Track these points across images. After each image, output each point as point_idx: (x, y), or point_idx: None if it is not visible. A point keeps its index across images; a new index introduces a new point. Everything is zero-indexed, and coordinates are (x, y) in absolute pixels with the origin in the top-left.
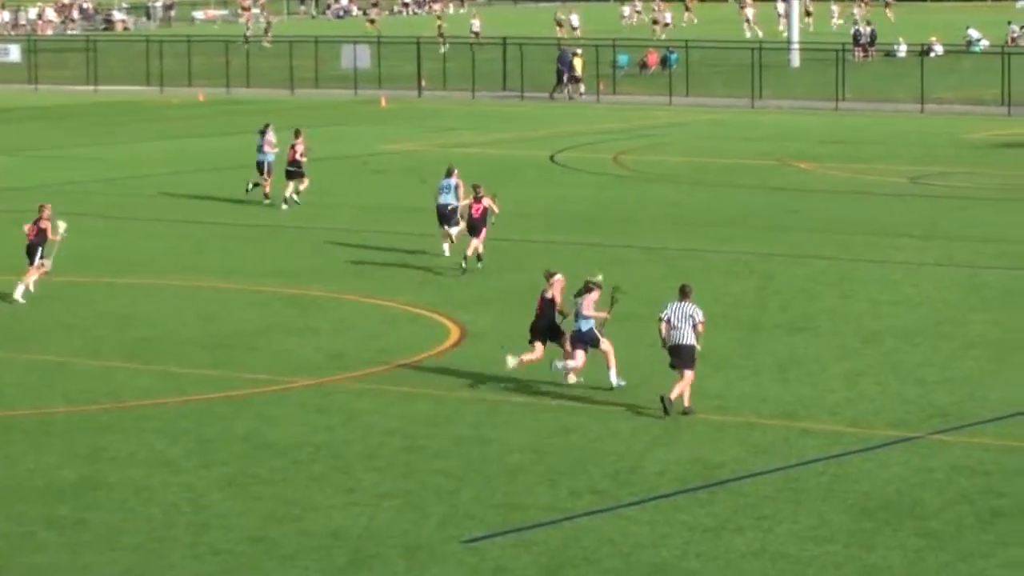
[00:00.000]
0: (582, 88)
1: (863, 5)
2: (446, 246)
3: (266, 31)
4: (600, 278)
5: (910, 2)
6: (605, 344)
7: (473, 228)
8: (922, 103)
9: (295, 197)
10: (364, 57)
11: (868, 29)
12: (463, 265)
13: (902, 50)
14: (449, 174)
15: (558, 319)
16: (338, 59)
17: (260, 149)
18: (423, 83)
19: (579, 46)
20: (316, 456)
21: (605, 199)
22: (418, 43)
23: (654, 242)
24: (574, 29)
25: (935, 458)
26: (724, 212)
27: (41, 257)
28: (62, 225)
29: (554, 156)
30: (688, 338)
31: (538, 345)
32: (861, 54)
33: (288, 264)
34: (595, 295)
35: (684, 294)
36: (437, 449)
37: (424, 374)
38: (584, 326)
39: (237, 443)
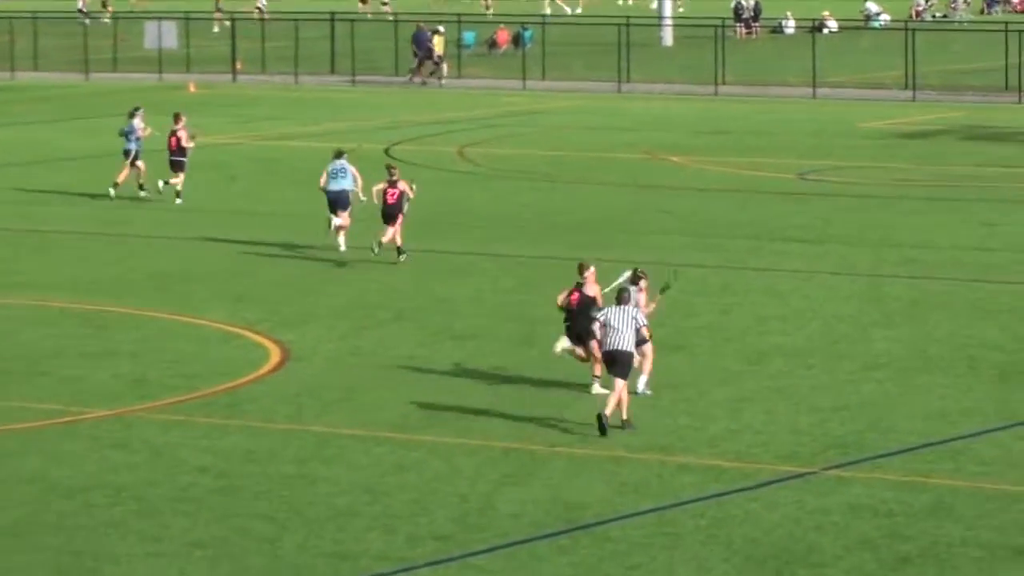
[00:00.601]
0: (444, 70)
1: None
2: (342, 239)
3: (104, 3)
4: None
5: None
6: (650, 346)
7: (389, 216)
8: (813, 87)
9: (177, 190)
10: (170, 36)
11: (752, 2)
12: (375, 251)
13: (790, 26)
14: (339, 156)
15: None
16: (141, 38)
17: (127, 136)
18: (238, 66)
19: (429, 22)
20: (115, 498)
21: (448, 199)
22: (233, 20)
23: (505, 248)
24: (384, 4)
25: (831, 497)
26: (586, 213)
27: None
28: None
29: (389, 149)
30: (628, 343)
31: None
32: (744, 31)
33: (81, 276)
34: (643, 288)
35: (621, 299)
36: (256, 490)
37: (241, 403)
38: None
39: (22, 485)
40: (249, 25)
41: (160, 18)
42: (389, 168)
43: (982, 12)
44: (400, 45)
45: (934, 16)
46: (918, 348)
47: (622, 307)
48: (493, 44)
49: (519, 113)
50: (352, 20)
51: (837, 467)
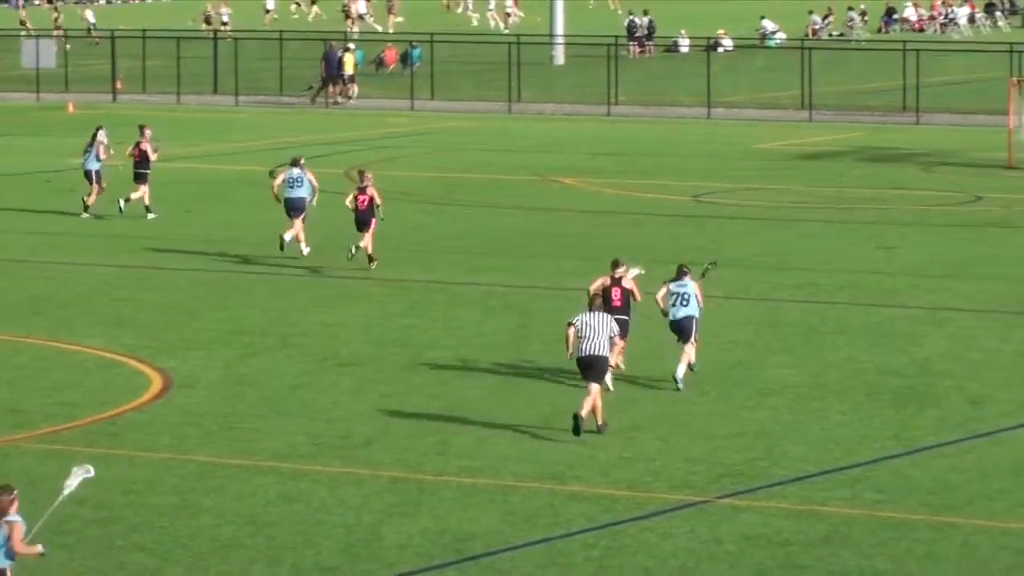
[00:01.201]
0: (354, 90)
1: None
2: (303, 247)
3: None
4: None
5: None
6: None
7: (362, 222)
8: (708, 107)
9: (146, 205)
10: (48, 55)
11: (645, 20)
12: (350, 255)
13: (685, 45)
14: (295, 164)
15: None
16: (18, 56)
17: (90, 155)
18: (118, 85)
19: (344, 40)
20: None
21: (334, 222)
22: (112, 37)
23: (392, 272)
24: (224, 24)
25: (726, 526)
26: (476, 237)
27: None
28: None
29: (273, 171)
30: (602, 349)
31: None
32: (637, 49)
33: None
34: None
35: (593, 305)
36: (136, 521)
37: (121, 432)
38: (685, 313)
39: None
40: (130, 43)
41: (38, 36)
42: (361, 173)
43: (879, 30)
44: (285, 64)
45: (831, 35)
46: (814, 374)
47: (594, 313)
48: (380, 63)
49: (407, 134)
50: (236, 38)
51: (731, 495)
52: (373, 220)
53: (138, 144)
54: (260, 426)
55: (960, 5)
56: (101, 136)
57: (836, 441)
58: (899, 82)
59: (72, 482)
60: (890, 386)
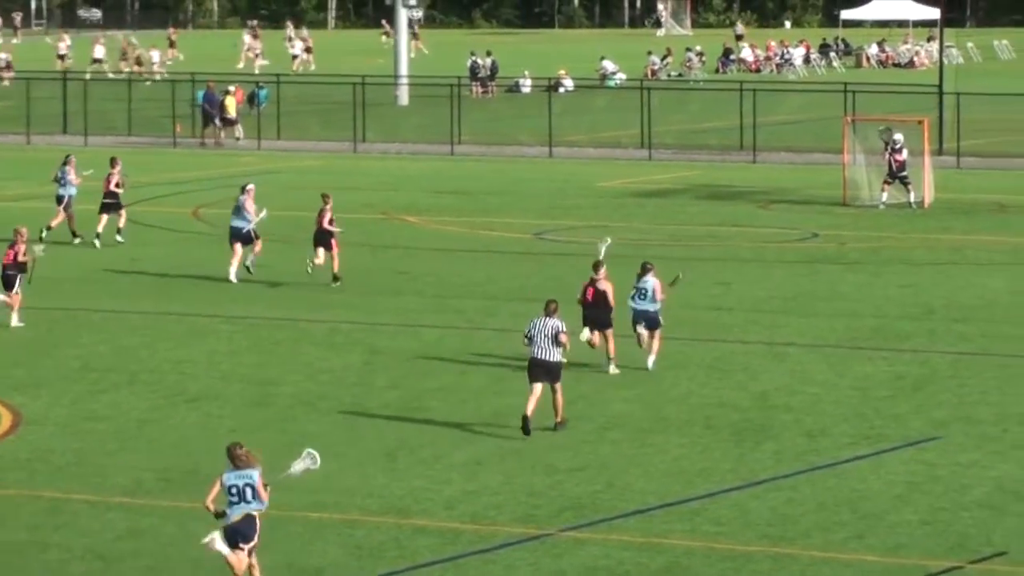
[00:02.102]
0: (238, 131)
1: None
2: (235, 268)
3: None
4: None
5: (535, 29)
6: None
7: (320, 239)
8: (550, 146)
9: (118, 237)
10: None
11: (488, 61)
12: (309, 270)
13: (527, 85)
14: (242, 191)
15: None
16: None
17: (62, 182)
18: None
19: (221, 79)
20: None
21: (183, 260)
22: None
23: (240, 310)
24: (62, 57)
25: (568, 558)
26: (322, 274)
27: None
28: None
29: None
30: (554, 355)
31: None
32: (480, 90)
33: None
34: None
35: (549, 311)
36: None
37: None
38: (653, 308)
39: None
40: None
41: None
42: (324, 197)
43: (717, 71)
44: (133, 105)
45: (669, 75)
46: (655, 408)
47: (545, 319)
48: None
49: (254, 173)
50: (85, 80)
51: (574, 528)
52: (334, 239)
53: (109, 176)
54: (109, 462)
55: (795, 46)
56: (71, 165)
57: (676, 474)
58: (736, 121)
59: (297, 468)
60: (729, 420)
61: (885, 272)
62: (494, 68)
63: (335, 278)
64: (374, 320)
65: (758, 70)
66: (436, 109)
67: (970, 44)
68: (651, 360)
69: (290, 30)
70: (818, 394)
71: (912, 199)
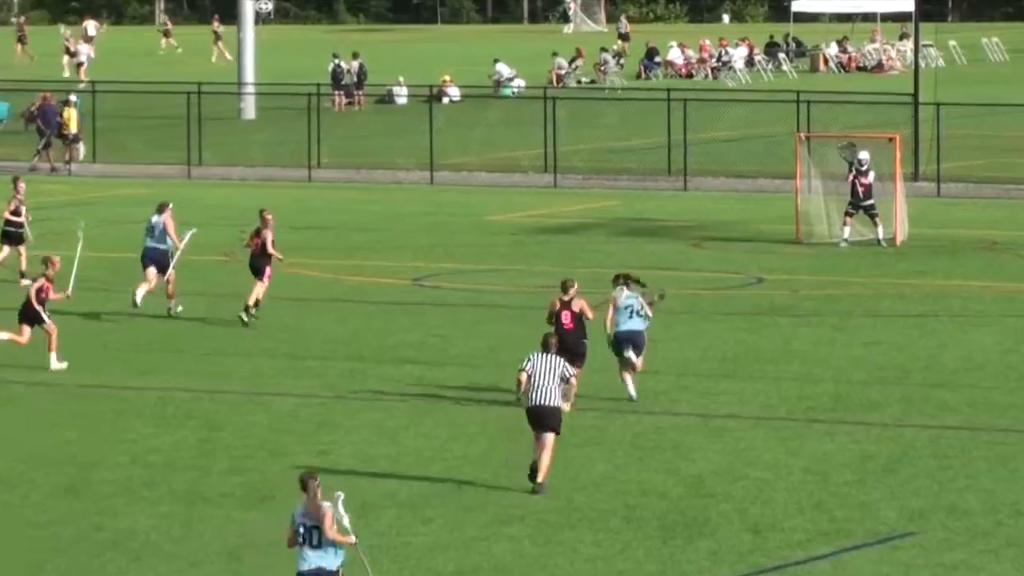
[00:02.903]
0: (81, 150)
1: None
2: (141, 292)
3: None
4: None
5: (413, 25)
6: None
7: (256, 269)
8: (431, 170)
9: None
10: None
11: (355, 65)
12: (244, 318)
13: (403, 95)
14: (160, 211)
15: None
16: None
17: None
18: None
19: (67, 90)
20: None
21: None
22: None
23: (49, 376)
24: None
25: None
26: (149, 333)
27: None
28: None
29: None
30: (553, 398)
31: None
32: (344, 100)
33: None
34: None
35: (548, 346)
36: None
37: None
38: (639, 326)
39: None
40: None
41: None
42: (262, 214)
43: (638, 76)
44: None
45: (580, 81)
46: (563, 496)
47: (546, 355)
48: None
49: (63, 205)
50: None
51: None
52: (268, 267)
53: (12, 200)
54: None
55: (736, 45)
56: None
57: None
58: (663, 139)
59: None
60: (655, 510)
61: (848, 326)
62: (361, 73)
63: (255, 304)
64: (214, 387)
65: (690, 75)
66: (290, 124)
67: (952, 42)
68: (633, 389)
69: (65, 28)
70: (765, 479)
71: (881, 235)
